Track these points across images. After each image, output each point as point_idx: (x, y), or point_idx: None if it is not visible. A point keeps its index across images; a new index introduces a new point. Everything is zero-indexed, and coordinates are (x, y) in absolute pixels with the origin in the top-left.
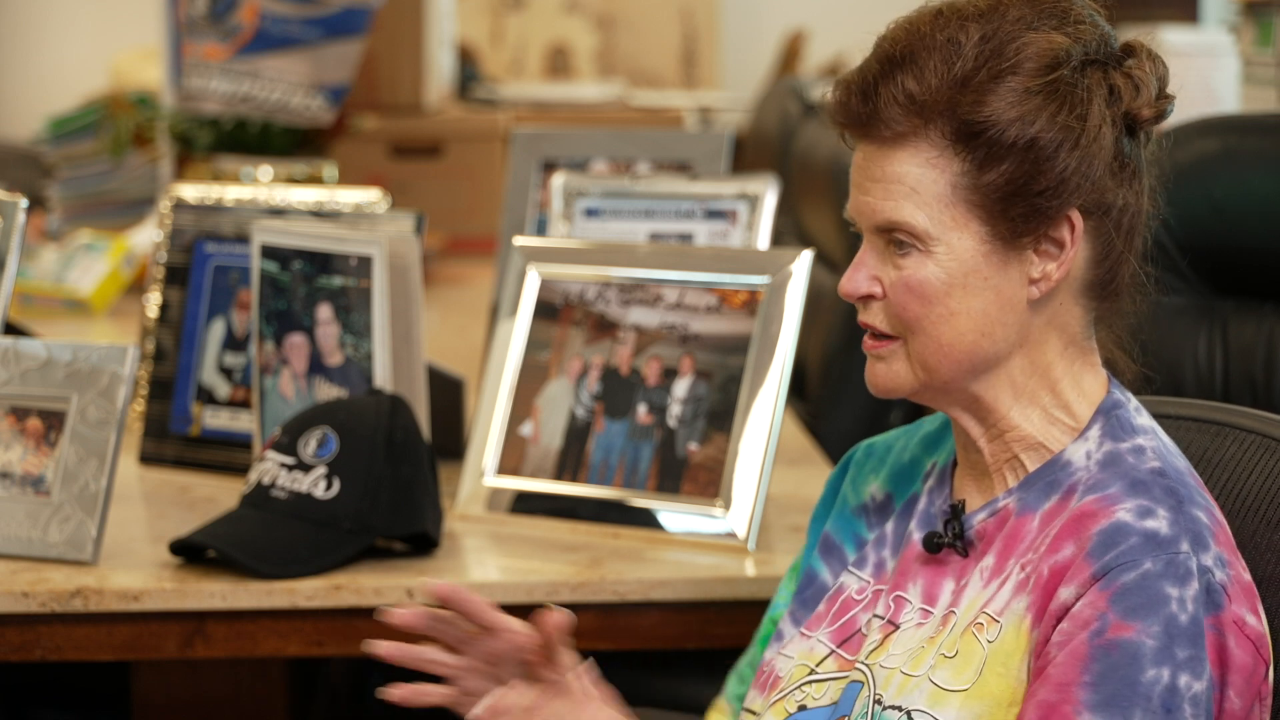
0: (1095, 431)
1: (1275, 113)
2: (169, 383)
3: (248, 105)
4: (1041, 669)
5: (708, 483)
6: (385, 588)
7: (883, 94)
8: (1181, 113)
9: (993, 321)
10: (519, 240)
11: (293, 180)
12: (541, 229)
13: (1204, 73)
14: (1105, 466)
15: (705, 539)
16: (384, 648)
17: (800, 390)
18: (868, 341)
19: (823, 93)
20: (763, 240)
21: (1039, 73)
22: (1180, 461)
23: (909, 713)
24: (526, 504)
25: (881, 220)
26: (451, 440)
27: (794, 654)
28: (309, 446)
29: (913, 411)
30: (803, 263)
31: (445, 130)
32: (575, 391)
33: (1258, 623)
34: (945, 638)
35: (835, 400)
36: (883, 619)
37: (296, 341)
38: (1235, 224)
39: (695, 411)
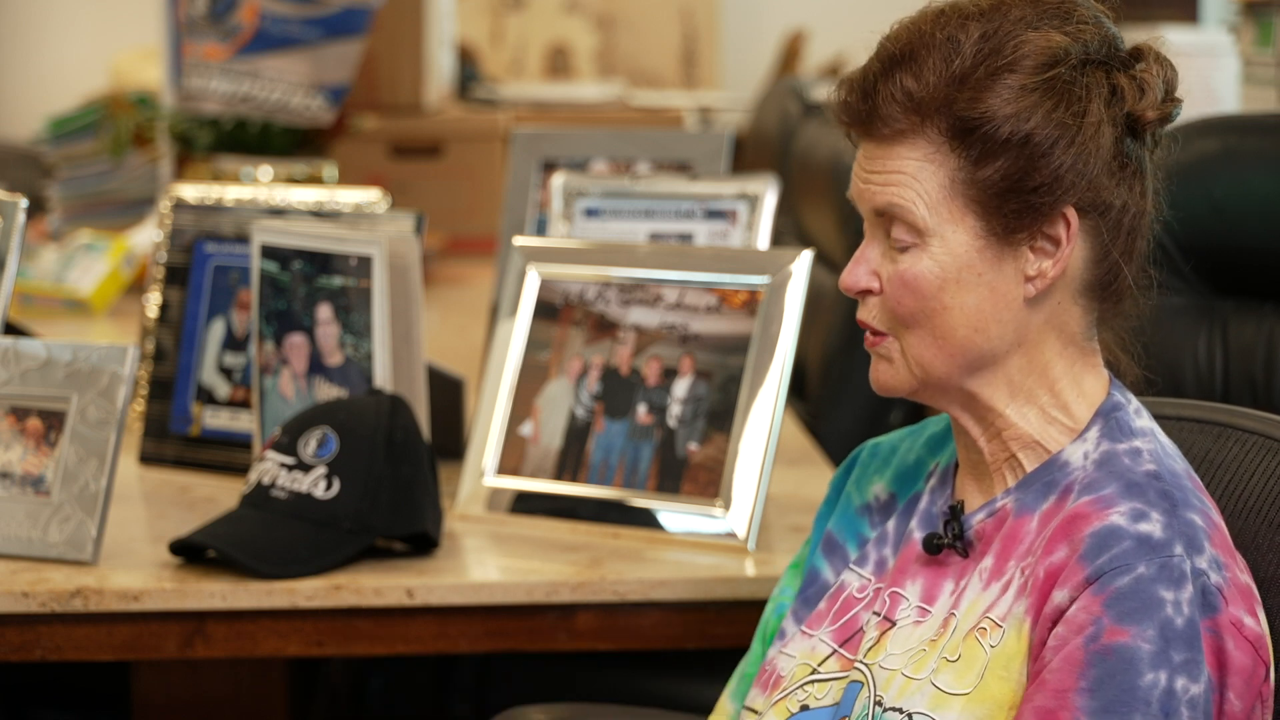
0: (1094, 432)
1: (1275, 113)
2: (169, 383)
3: (248, 105)
4: (1037, 673)
5: (708, 483)
6: (385, 588)
7: (882, 92)
8: (1182, 113)
9: (987, 318)
10: (519, 240)
11: (293, 180)
12: (541, 229)
13: (1204, 73)
14: (1101, 467)
15: (705, 539)
16: None
17: (800, 390)
18: (867, 338)
19: (827, 92)
20: (763, 240)
21: (1036, 70)
22: (1178, 464)
23: (910, 715)
24: (526, 504)
25: (881, 202)
26: (451, 440)
27: (796, 653)
28: (309, 446)
29: (913, 412)
30: (803, 263)
31: (445, 130)
32: (575, 391)
33: (1256, 624)
34: (947, 641)
35: (835, 400)
36: (879, 615)
37: (296, 341)
38: (1235, 224)
39: (695, 411)
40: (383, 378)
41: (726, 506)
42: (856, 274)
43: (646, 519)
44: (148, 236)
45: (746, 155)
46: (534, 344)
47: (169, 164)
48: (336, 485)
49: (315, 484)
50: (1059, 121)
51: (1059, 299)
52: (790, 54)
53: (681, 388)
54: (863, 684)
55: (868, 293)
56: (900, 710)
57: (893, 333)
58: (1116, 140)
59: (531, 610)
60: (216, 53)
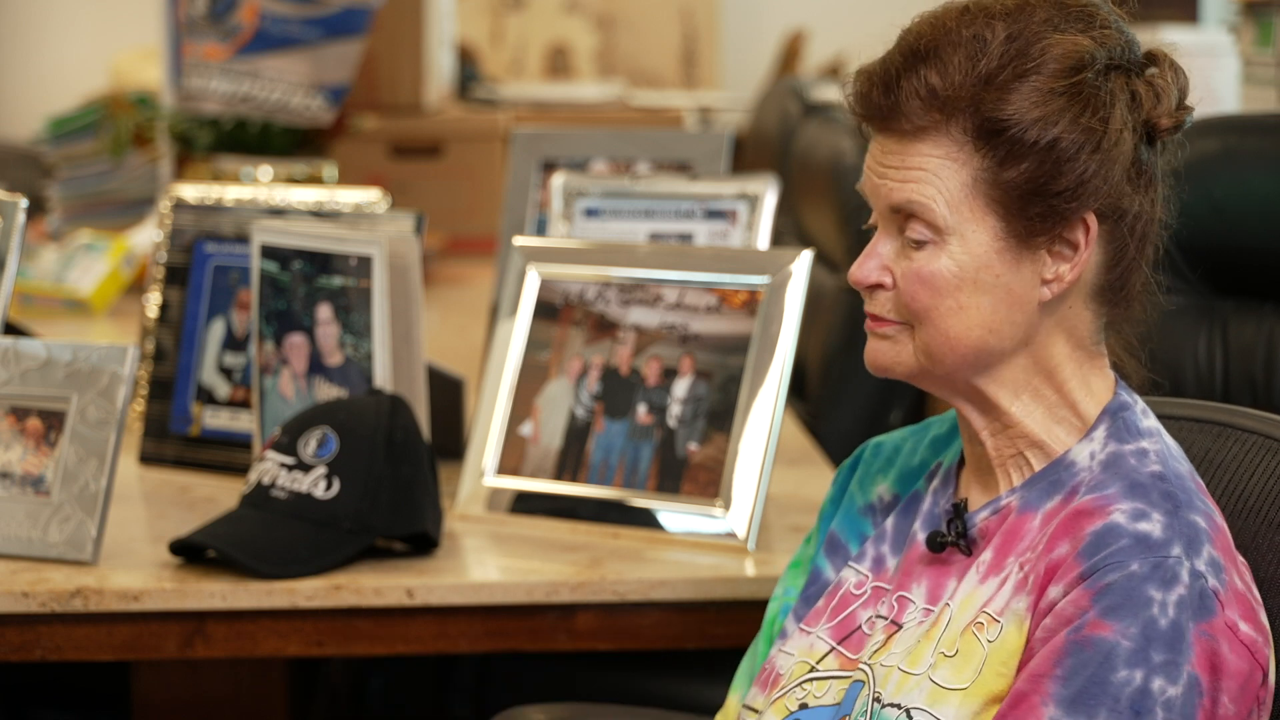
0: (1101, 432)
1: (1275, 113)
2: (169, 383)
3: (248, 105)
4: (1024, 663)
5: (708, 483)
6: (385, 588)
7: (905, 87)
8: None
9: (1001, 319)
10: (519, 240)
11: (293, 180)
12: (541, 229)
13: (1204, 73)
14: (1107, 467)
15: (705, 539)
16: None
17: (800, 390)
18: (870, 321)
19: (842, 82)
20: (763, 240)
21: (1063, 74)
22: (1183, 465)
23: (908, 710)
24: (526, 504)
25: (900, 198)
26: (451, 440)
27: (794, 651)
28: (309, 446)
29: (913, 412)
30: (803, 263)
31: (445, 130)
32: (575, 391)
33: (1252, 628)
34: (942, 634)
35: (835, 400)
36: (886, 619)
37: (296, 341)
38: (1235, 224)
39: (695, 411)
40: (383, 378)
41: (726, 506)
42: (867, 268)
43: (646, 519)
44: (148, 236)
45: (746, 155)
46: (534, 344)
47: (169, 164)
48: (336, 485)
49: (315, 484)
50: (1085, 127)
51: (1070, 303)
52: (790, 54)
53: (681, 388)
54: (864, 683)
55: (878, 287)
56: (898, 706)
57: (905, 323)
58: (1135, 147)
59: (531, 610)
60: (216, 53)
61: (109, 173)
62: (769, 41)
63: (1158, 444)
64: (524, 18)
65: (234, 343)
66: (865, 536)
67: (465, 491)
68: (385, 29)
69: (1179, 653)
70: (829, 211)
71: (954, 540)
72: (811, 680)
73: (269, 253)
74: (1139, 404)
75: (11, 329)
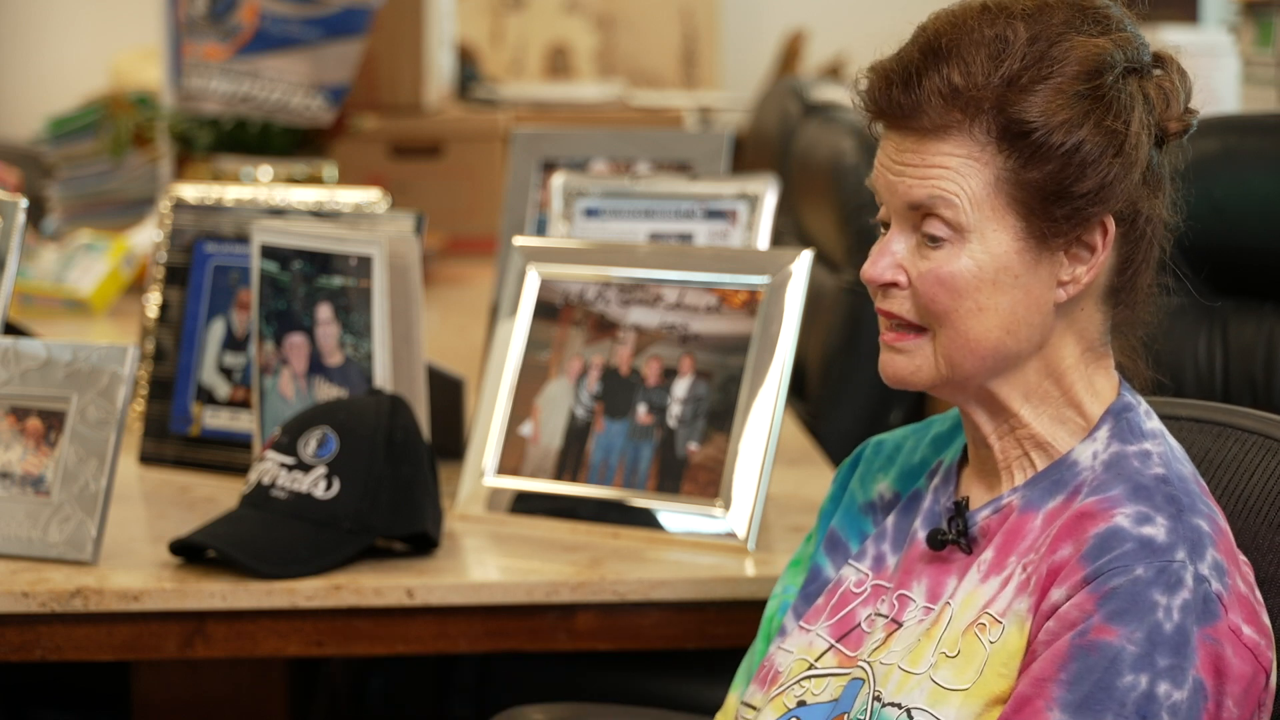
0: (1104, 433)
1: (1275, 113)
2: (169, 383)
3: (248, 105)
4: (1026, 665)
5: (708, 483)
6: (385, 588)
7: (926, 85)
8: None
9: (1019, 320)
10: (519, 240)
11: (293, 180)
12: (541, 229)
13: (1204, 73)
14: (1109, 468)
15: (705, 539)
16: None
17: (800, 390)
18: (888, 335)
19: (853, 78)
20: (763, 240)
21: (1085, 76)
22: (1186, 468)
23: (909, 710)
24: (526, 504)
25: (920, 196)
26: (451, 440)
27: (793, 648)
28: (309, 446)
29: (912, 412)
30: (803, 263)
31: (445, 130)
32: (575, 391)
33: (1255, 631)
34: (943, 633)
35: (835, 400)
36: (886, 617)
37: (296, 341)
38: (1235, 224)
39: (695, 411)
40: (383, 378)
41: (726, 506)
42: (880, 266)
43: (646, 519)
44: (148, 236)
45: (746, 155)
46: (534, 344)
47: (169, 164)
48: (336, 485)
49: (315, 484)
50: (1109, 130)
51: (1083, 304)
52: (790, 54)
53: (681, 388)
54: (864, 681)
55: (892, 286)
56: (899, 705)
57: (927, 328)
58: (1149, 150)
59: (531, 610)
60: (216, 53)
61: (109, 173)
62: (769, 41)
63: (1161, 446)
64: (524, 18)
65: (234, 343)
66: (866, 534)
67: (465, 491)
68: (385, 29)
69: (1184, 657)
70: (829, 211)
71: (954, 538)
72: (810, 678)
73: (269, 253)
74: (1142, 405)
75: (11, 329)
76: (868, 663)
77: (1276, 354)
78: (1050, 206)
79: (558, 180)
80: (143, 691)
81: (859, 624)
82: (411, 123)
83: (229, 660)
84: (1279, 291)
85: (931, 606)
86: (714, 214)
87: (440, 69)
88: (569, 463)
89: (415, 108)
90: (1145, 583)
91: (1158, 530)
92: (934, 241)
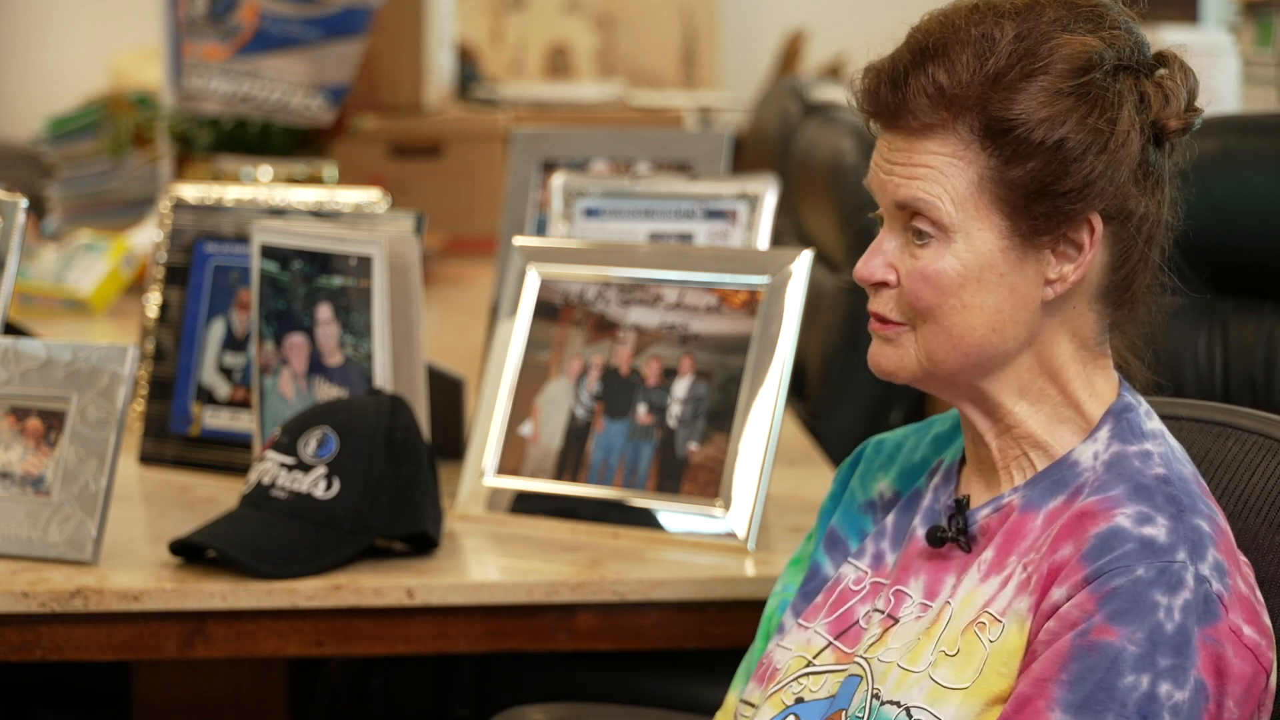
0: (1104, 433)
1: (1275, 113)
2: (169, 383)
3: (248, 105)
4: (1026, 665)
5: (708, 483)
6: (385, 588)
7: (913, 85)
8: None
9: (1005, 319)
10: (519, 240)
11: (293, 180)
12: (541, 229)
13: (1204, 73)
14: (1110, 468)
15: (705, 539)
16: None
17: (800, 390)
18: (873, 322)
19: (849, 78)
20: (763, 240)
21: (1071, 74)
22: (1186, 468)
23: (908, 709)
24: (526, 504)
25: (905, 195)
26: (451, 440)
27: (792, 645)
28: (309, 446)
29: (913, 412)
30: (803, 263)
31: (445, 130)
32: (575, 391)
33: (1256, 631)
34: (943, 632)
35: (835, 400)
36: (883, 613)
37: (296, 341)
38: (1235, 224)
39: (695, 411)
40: (383, 378)
41: (726, 506)
42: (872, 266)
43: (646, 519)
44: (148, 236)
45: (746, 155)
46: (534, 344)
47: (169, 164)
48: (336, 485)
49: (315, 484)
50: (1092, 127)
51: (1074, 303)
52: (790, 54)
53: (681, 388)
54: (861, 678)
55: (883, 285)
56: (898, 704)
57: (909, 323)
58: (1143, 148)
59: (531, 610)
60: (216, 53)
61: (109, 173)
62: (769, 41)
63: (1161, 446)
64: (524, 18)
65: (234, 343)
66: (865, 533)
67: (465, 491)
68: (385, 29)
69: (1185, 657)
70: (829, 211)
71: (954, 536)
72: (808, 675)
73: (269, 253)
74: (1143, 405)
75: (11, 329)
76: (865, 659)
77: (1276, 354)
78: (1033, 204)
79: (558, 180)
80: (143, 691)
81: (857, 621)
82: (411, 123)
83: (229, 660)
84: (1279, 291)
85: (928, 603)
86: (714, 214)
87: (440, 69)
88: (569, 463)
89: (415, 108)
90: (1146, 583)
91: (1159, 530)
92: (921, 239)
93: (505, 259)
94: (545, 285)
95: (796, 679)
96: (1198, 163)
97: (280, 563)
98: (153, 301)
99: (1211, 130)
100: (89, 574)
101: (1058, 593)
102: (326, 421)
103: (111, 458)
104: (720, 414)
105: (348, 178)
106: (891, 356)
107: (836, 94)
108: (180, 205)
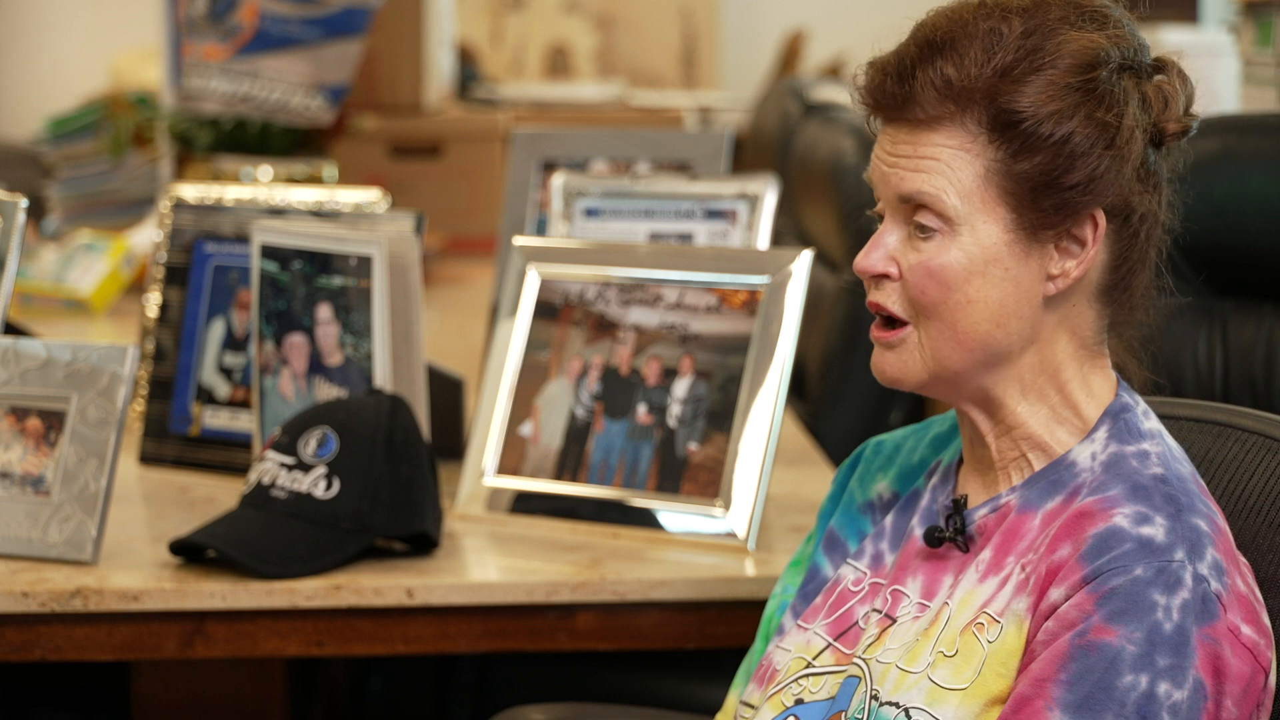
0: (1102, 433)
1: (1275, 113)
2: (169, 383)
3: (248, 105)
4: (1025, 665)
5: (708, 483)
6: (385, 588)
7: (920, 77)
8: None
9: (1008, 314)
10: (519, 240)
11: (293, 180)
12: (541, 229)
13: (1204, 73)
14: (1108, 468)
15: (705, 539)
16: None
17: (800, 390)
18: (876, 331)
19: (852, 74)
20: (763, 240)
21: (1078, 70)
22: (1185, 468)
23: (907, 710)
24: (526, 504)
25: (910, 188)
26: (451, 440)
27: (791, 647)
28: (309, 446)
29: (913, 413)
30: (803, 263)
31: (445, 130)
32: (575, 391)
33: (1254, 631)
34: (941, 632)
35: (835, 400)
36: (880, 613)
37: (296, 341)
38: (1235, 224)
39: (695, 411)
40: (383, 378)
41: (726, 506)
42: (873, 258)
43: (646, 519)
44: (148, 236)
45: (746, 155)
46: (534, 344)
47: (169, 164)
48: (336, 485)
49: (315, 484)
50: (1100, 122)
51: (1074, 301)
52: (790, 54)
53: (681, 388)
54: (860, 679)
55: (883, 277)
56: (897, 705)
57: (912, 321)
58: (1144, 148)
59: (531, 610)
60: (216, 53)
61: (109, 173)
62: (769, 41)
63: (1159, 446)
64: (524, 18)
65: (234, 343)
66: (864, 534)
67: (465, 491)
68: (385, 29)
69: (1184, 657)
70: (829, 211)
71: (951, 536)
72: (807, 676)
73: (269, 253)
74: (1140, 405)
75: (11, 329)
76: (864, 660)
77: (1276, 354)
78: (1040, 198)
79: (558, 180)
80: (143, 691)
81: (856, 622)
82: (411, 123)
83: (229, 660)
84: (1279, 291)
85: (926, 603)
86: (714, 214)
87: (440, 69)
88: (569, 463)
89: (415, 108)
90: (1144, 583)
91: (1156, 530)
92: (925, 233)
93: (505, 259)
94: (545, 285)
95: (796, 680)
96: (1197, 162)
97: (280, 563)
98: (153, 301)
99: (1211, 130)
100: (89, 574)
101: (1056, 593)
102: (326, 421)
103: (111, 458)
104: (720, 414)
105: (348, 178)
106: (895, 363)
107: (836, 94)
108: (180, 205)
